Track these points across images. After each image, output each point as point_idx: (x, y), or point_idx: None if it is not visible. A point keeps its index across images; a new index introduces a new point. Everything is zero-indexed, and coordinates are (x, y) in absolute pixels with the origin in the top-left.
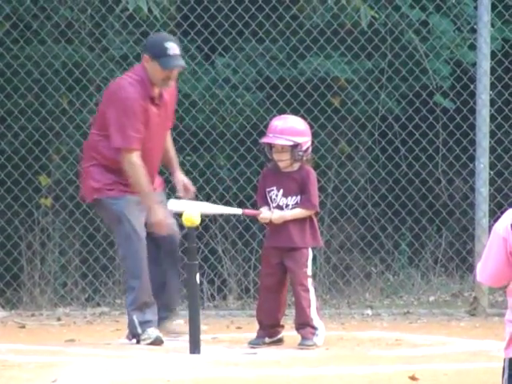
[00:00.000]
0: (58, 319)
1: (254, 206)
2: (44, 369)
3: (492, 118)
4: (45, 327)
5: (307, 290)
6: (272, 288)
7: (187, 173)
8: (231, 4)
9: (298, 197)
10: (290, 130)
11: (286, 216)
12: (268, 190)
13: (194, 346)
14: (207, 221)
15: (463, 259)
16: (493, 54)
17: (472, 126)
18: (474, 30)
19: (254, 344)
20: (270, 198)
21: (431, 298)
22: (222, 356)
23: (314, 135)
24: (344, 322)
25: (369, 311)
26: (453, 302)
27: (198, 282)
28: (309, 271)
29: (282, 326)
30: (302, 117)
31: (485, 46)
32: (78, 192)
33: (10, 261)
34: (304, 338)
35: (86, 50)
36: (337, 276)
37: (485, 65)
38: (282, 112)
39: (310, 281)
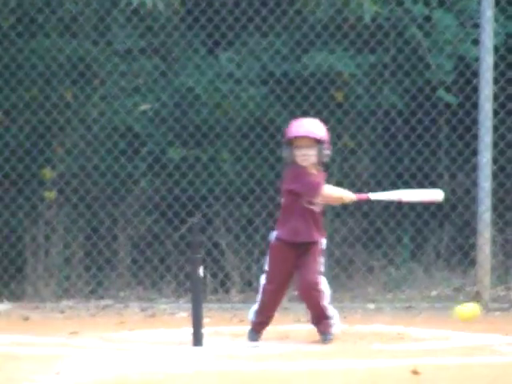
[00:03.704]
0: (62, 312)
1: (257, 200)
2: (47, 361)
3: (495, 113)
4: (48, 320)
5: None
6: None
7: (190, 167)
8: None
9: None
10: (316, 128)
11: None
12: None
13: (197, 339)
14: (210, 214)
15: (465, 254)
16: (496, 49)
17: (475, 121)
18: (477, 25)
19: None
20: None
21: (433, 293)
22: (224, 349)
23: None
24: (347, 315)
25: (371, 305)
26: (455, 297)
27: (202, 275)
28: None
29: None
30: (306, 112)
31: (488, 41)
32: (81, 185)
33: (15, 254)
34: (323, 333)
35: (90, 44)
36: (339, 270)
37: (488, 59)
38: (285, 106)
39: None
